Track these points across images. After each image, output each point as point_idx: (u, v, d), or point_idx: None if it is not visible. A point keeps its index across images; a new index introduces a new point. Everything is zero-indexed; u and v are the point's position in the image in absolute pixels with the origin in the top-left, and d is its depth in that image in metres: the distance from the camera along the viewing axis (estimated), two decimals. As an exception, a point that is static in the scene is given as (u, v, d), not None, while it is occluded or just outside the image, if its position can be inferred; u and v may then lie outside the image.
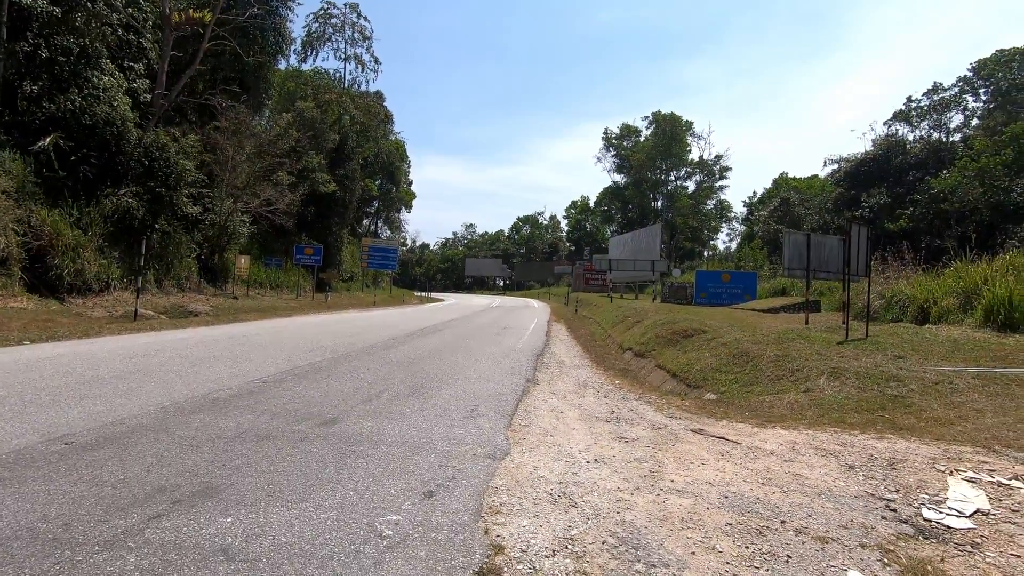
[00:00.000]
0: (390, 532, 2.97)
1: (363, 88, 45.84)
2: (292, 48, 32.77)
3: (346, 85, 44.51)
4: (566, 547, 2.94)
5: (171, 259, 19.96)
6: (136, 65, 19.55)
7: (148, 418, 4.99)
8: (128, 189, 17.47)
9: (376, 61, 45.19)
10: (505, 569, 2.68)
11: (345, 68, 46.76)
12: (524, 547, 2.91)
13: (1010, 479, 4.14)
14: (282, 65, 35.17)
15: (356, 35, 44.08)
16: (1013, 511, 3.61)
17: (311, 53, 43.45)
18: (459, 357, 10.16)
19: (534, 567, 2.72)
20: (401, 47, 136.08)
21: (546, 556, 2.83)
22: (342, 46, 44.26)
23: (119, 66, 18.53)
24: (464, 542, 2.91)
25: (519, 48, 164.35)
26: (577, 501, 3.59)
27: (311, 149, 31.34)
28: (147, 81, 19.99)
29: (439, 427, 5.19)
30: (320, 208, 32.83)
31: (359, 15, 43.99)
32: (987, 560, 2.99)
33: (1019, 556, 3.03)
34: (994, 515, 3.56)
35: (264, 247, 30.57)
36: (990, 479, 4.15)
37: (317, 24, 42.84)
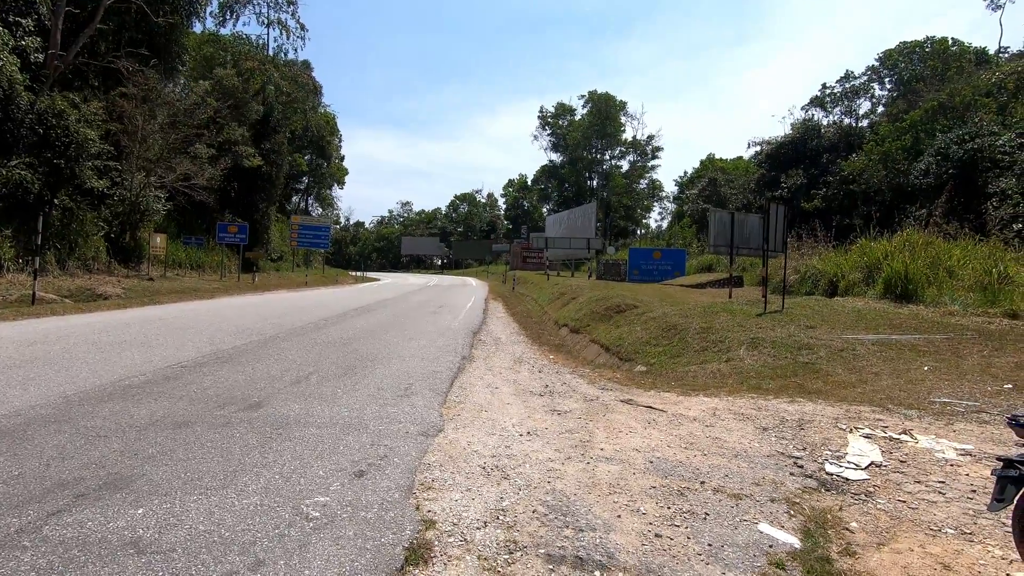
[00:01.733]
0: (317, 514, 2.90)
1: (289, 56, 43.22)
2: (208, 9, 30.45)
3: (271, 53, 41.80)
4: (497, 518, 2.98)
5: (75, 237, 18.28)
6: (24, 21, 17.45)
7: (48, 409, 4.60)
8: (20, 160, 15.77)
9: (302, 28, 42.48)
10: (436, 543, 2.68)
11: (269, 34, 43.85)
12: (456, 520, 2.93)
13: (900, 434, 4.58)
14: (197, 28, 32.58)
15: (281, -1, 41.30)
16: (901, 462, 4.00)
17: (230, 16, 40.26)
18: (394, 336, 10.00)
19: (465, 539, 2.74)
20: (330, 13, 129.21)
21: (477, 528, 2.86)
22: (265, 10, 41.48)
23: (2, 20, 16.51)
24: (395, 519, 2.89)
25: (454, 19, 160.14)
26: (509, 473, 3.64)
27: (233, 120, 29.33)
28: (38, 39, 17.90)
29: (371, 407, 5.10)
30: (245, 184, 30.97)
31: (283, -23, 41.13)
32: (878, 506, 3.29)
33: (904, 501, 3.36)
34: (885, 466, 3.93)
35: (183, 225, 28.59)
36: (883, 434, 4.57)
37: (236, -15, 39.76)
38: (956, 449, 4.21)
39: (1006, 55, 35.96)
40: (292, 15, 41.71)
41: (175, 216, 27.28)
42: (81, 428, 4.14)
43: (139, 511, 2.85)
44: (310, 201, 62.03)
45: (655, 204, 76.06)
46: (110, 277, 18.52)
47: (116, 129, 20.72)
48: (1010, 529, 2.55)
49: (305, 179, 56.59)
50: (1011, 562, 2.66)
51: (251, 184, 31.89)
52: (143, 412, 4.60)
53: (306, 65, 46.05)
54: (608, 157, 73.22)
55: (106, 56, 21.72)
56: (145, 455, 3.64)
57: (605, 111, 69.64)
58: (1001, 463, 2.49)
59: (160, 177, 23.03)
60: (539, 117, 74.75)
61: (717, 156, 63.14)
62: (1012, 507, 2.44)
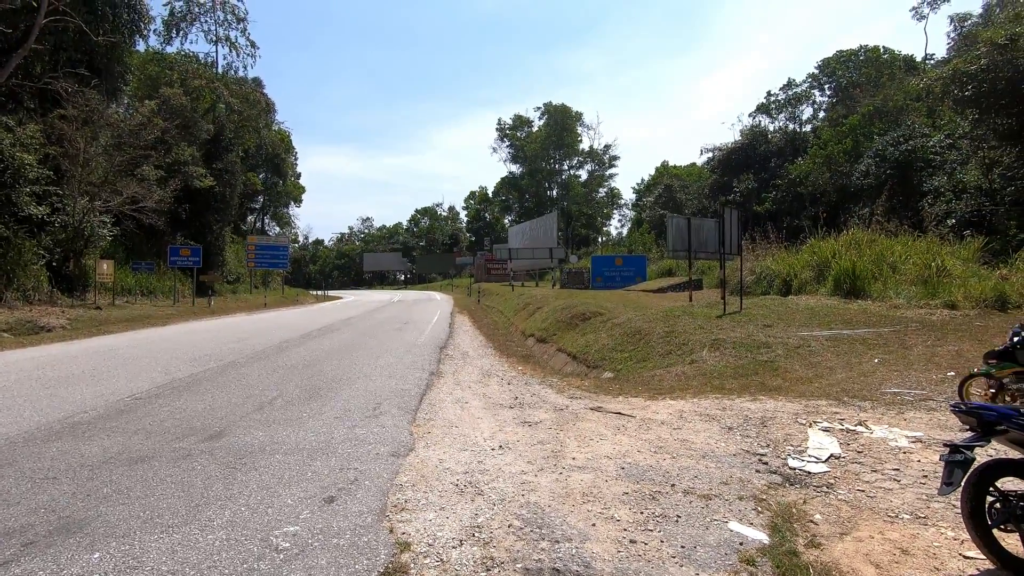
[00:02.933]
0: (287, 544, 2.81)
1: (240, 74, 42.23)
2: (151, 28, 29.42)
3: (220, 71, 40.77)
4: (473, 535, 2.96)
5: (12, 267, 17.29)
6: (-50, 42, 16.61)
7: (-11, 452, 4.32)
8: (-51, 188, 14.90)
9: (253, 45, 41.57)
10: (412, 565, 2.65)
11: (218, 52, 42.45)
12: (431, 541, 2.89)
13: (856, 425, 4.78)
14: (141, 47, 31.52)
15: (228, 16, 40.38)
16: (858, 453, 4.17)
17: (176, 34, 39.09)
18: (359, 356, 9.83)
19: (441, 559, 2.71)
20: (278, 29, 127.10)
21: (453, 547, 2.83)
22: (213, 28, 40.40)
23: (-73, 42, 15.64)
24: (368, 544, 2.83)
25: (404, 32, 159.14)
26: (483, 489, 3.62)
27: (182, 140, 28.41)
28: (-33, 61, 17.06)
29: (339, 429, 5.00)
30: (196, 205, 29.98)
31: (230, -6, 40.23)
32: (839, 497, 3.43)
33: (863, 491, 3.51)
34: (844, 458, 4.09)
35: (132, 250, 27.42)
36: (841, 427, 4.76)
37: (180, 2, 38.68)
38: (908, 437, 4.42)
39: (932, 62, 38.36)
40: (242, 32, 40.87)
41: (123, 241, 26.18)
42: (27, 471, 3.90)
43: (95, 556, 2.70)
44: (266, 220, 60.55)
45: (614, 212, 77.52)
46: (53, 308, 17.58)
47: (56, 153, 19.80)
48: (960, 511, 2.69)
49: (260, 198, 55.18)
50: (963, 542, 2.80)
51: (203, 205, 30.91)
52: (95, 449, 4.38)
53: (257, 82, 45.16)
54: (567, 167, 74.28)
55: (42, 77, 20.81)
56: (99, 495, 3.46)
57: (562, 122, 70.73)
58: (948, 448, 2.63)
59: (105, 201, 22.08)
60: (497, 130, 75.30)
61: (671, 163, 64.95)
62: (960, 490, 2.58)
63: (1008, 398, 4.73)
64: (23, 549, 2.77)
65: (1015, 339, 4.70)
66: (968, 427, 2.68)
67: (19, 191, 16.50)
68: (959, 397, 5.19)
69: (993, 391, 4.84)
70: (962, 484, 2.57)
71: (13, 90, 20.27)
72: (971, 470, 2.58)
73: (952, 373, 6.11)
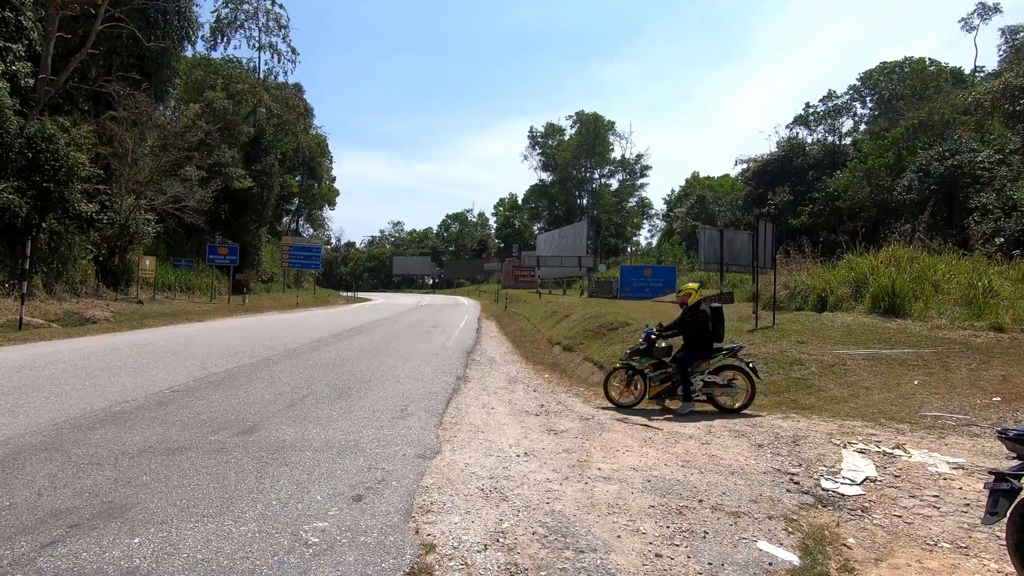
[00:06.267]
0: (316, 539, 2.88)
1: (280, 79, 43.46)
2: (199, 34, 30.53)
3: (261, 76, 42.00)
4: (497, 540, 2.97)
5: (63, 261, 18.11)
6: (14, 46, 17.52)
7: (38, 437, 4.53)
8: (8, 184, 15.68)
9: (294, 51, 43.11)
10: (436, 567, 2.67)
11: (260, 58, 43.85)
12: (456, 544, 2.92)
13: (893, 448, 4.62)
14: (189, 52, 32.74)
15: (271, 23, 41.63)
16: (895, 477, 4.04)
17: (222, 40, 40.44)
18: (387, 357, 9.96)
19: (466, 563, 2.73)
20: (315, 35, 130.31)
21: (478, 551, 2.85)
22: (256, 34, 41.71)
23: (-7, 46, 16.56)
24: (394, 543, 2.87)
25: (437, 42, 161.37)
26: (508, 495, 3.64)
27: (223, 142, 29.39)
28: (29, 64, 17.97)
29: (367, 429, 5.07)
30: (235, 205, 30.92)
31: (274, 2, 41.56)
32: (875, 522, 3.32)
33: (900, 516, 3.39)
34: (880, 481, 3.96)
35: (173, 247, 28.44)
36: (877, 449, 4.62)
37: (228, 9, 40.06)
38: (949, 463, 4.26)
39: (981, 75, 37.02)
40: (283, 39, 42.09)
41: (165, 238, 27.15)
42: (73, 456, 4.08)
43: (135, 540, 2.81)
44: (301, 222, 61.97)
45: (645, 222, 76.83)
46: (98, 301, 18.33)
47: (106, 152, 20.70)
48: (1004, 542, 2.59)
49: (296, 200, 56.57)
50: (1007, 575, 2.68)
51: (242, 206, 31.86)
52: (136, 438, 4.55)
53: (297, 88, 46.35)
54: (597, 176, 73.97)
55: (97, 80, 21.82)
56: (139, 482, 3.60)
57: (594, 131, 70.51)
58: (993, 476, 2.53)
59: (150, 200, 22.96)
60: (529, 137, 75.48)
61: (702, 174, 64.12)
62: (1006, 520, 2.48)
63: (639, 383, 6.40)
64: (69, 530, 2.90)
65: (650, 337, 6.43)
66: (1015, 455, 2.58)
67: (72, 189, 17.28)
68: (604, 391, 6.47)
69: (627, 378, 6.49)
70: (1008, 514, 2.47)
71: (69, 92, 21.32)
72: (1018, 500, 2.47)
73: (998, 398, 5.86)
